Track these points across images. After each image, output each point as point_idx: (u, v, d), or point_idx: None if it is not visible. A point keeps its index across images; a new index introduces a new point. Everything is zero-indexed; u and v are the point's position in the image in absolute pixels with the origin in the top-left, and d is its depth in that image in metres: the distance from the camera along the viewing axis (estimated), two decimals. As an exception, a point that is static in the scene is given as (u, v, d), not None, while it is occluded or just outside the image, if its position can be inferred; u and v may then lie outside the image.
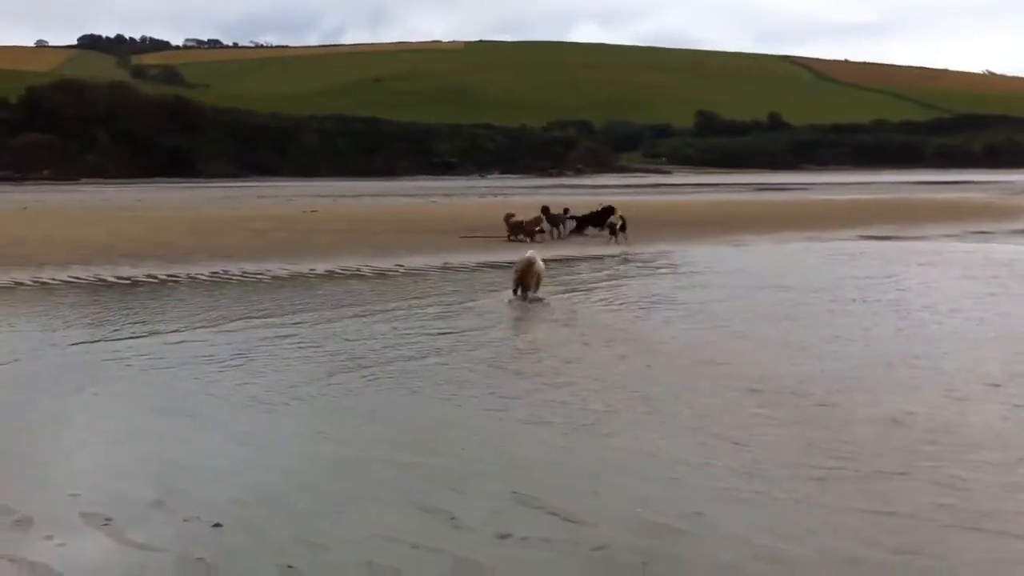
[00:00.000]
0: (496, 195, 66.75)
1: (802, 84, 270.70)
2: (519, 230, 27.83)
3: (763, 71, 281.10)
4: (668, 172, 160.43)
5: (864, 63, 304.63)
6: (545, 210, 29.26)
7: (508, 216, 28.59)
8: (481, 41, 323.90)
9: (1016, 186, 77.98)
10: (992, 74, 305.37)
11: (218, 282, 19.09)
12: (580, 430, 8.33)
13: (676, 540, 5.98)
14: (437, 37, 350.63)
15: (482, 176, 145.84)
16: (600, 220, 29.44)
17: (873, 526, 6.10)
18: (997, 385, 9.67)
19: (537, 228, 28.01)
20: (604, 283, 18.60)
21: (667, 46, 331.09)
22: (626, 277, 19.81)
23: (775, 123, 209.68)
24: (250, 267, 21.21)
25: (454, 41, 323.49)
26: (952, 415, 8.59)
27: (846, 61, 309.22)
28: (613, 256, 24.18)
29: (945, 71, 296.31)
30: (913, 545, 5.82)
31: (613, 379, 10.14)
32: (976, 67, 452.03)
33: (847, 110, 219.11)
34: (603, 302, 15.95)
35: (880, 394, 9.36)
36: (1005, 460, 7.37)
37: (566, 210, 30.40)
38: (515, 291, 15.96)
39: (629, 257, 23.99)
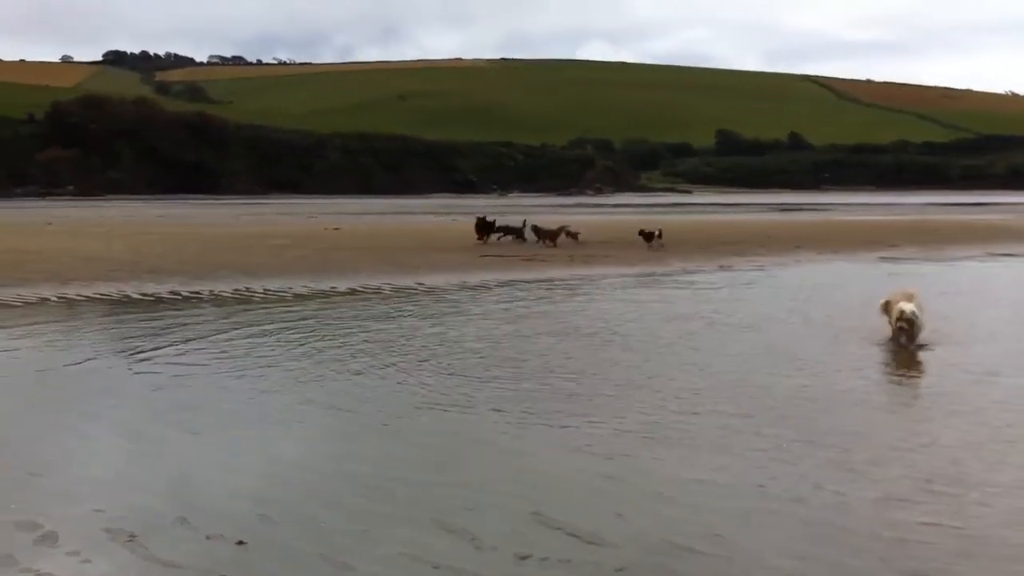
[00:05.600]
0: (519, 214, 66.67)
1: (823, 104, 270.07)
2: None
3: (783, 90, 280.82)
4: (688, 191, 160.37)
5: (886, 83, 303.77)
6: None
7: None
8: (503, 59, 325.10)
9: (1041, 208, 77.51)
10: (1015, 95, 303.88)
11: (240, 299, 19.23)
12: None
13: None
14: (448, 55, 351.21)
15: (502, 194, 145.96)
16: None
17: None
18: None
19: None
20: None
21: (682, 64, 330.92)
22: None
23: (796, 143, 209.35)
24: (273, 285, 21.35)
25: (476, 59, 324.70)
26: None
27: (868, 81, 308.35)
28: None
29: (968, 91, 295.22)
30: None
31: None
32: (999, 88, 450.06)
33: (869, 130, 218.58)
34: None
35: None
36: None
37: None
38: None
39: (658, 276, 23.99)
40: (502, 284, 21.99)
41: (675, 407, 9.84)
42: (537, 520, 6.67)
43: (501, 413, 9.70)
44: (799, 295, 19.90)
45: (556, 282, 22.53)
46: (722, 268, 26.11)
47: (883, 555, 6.06)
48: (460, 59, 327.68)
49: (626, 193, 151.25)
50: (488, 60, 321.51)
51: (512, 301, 18.94)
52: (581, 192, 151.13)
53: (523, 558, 6.05)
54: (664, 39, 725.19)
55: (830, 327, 15.00)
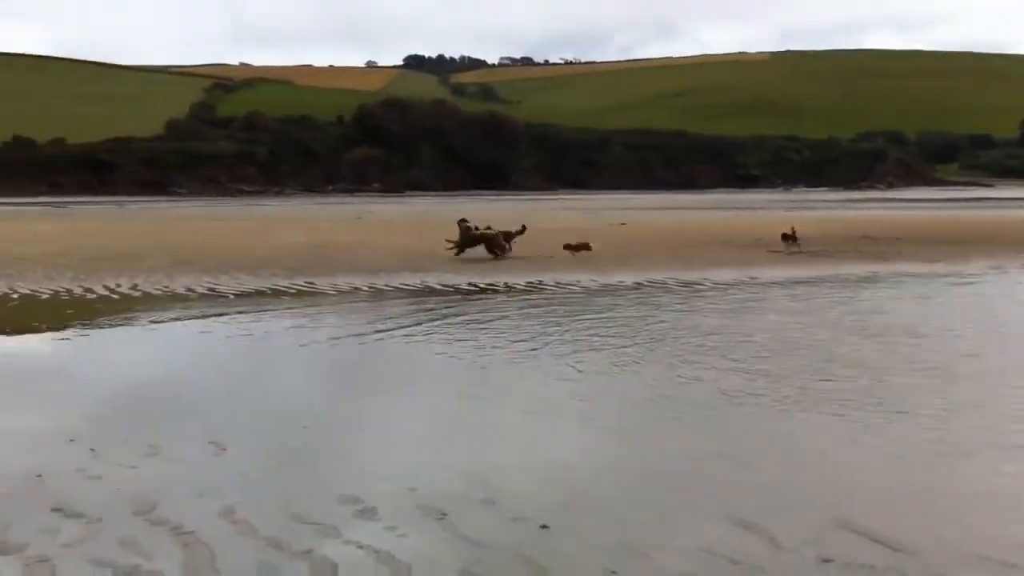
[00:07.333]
0: (803, 209, 64.92)
1: None
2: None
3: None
4: (990, 185, 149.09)
5: None
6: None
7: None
8: (787, 51, 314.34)
9: None
10: None
11: (531, 290, 19.94)
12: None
13: None
14: (728, 49, 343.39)
15: (787, 189, 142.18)
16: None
17: None
18: None
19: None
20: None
21: (977, 51, 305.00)
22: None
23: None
24: (562, 278, 21.96)
25: (760, 52, 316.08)
26: None
27: None
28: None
29: None
30: None
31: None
32: None
33: None
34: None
35: None
36: None
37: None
38: None
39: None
40: (793, 281, 21.47)
41: (989, 415, 9.33)
42: (839, 523, 6.53)
43: (803, 412, 9.55)
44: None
45: (844, 279, 21.80)
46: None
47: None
48: (743, 52, 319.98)
49: (920, 188, 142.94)
50: (771, 53, 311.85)
51: (806, 298, 18.49)
52: (871, 186, 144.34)
53: (824, 561, 5.96)
54: (953, 26, 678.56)
55: None
